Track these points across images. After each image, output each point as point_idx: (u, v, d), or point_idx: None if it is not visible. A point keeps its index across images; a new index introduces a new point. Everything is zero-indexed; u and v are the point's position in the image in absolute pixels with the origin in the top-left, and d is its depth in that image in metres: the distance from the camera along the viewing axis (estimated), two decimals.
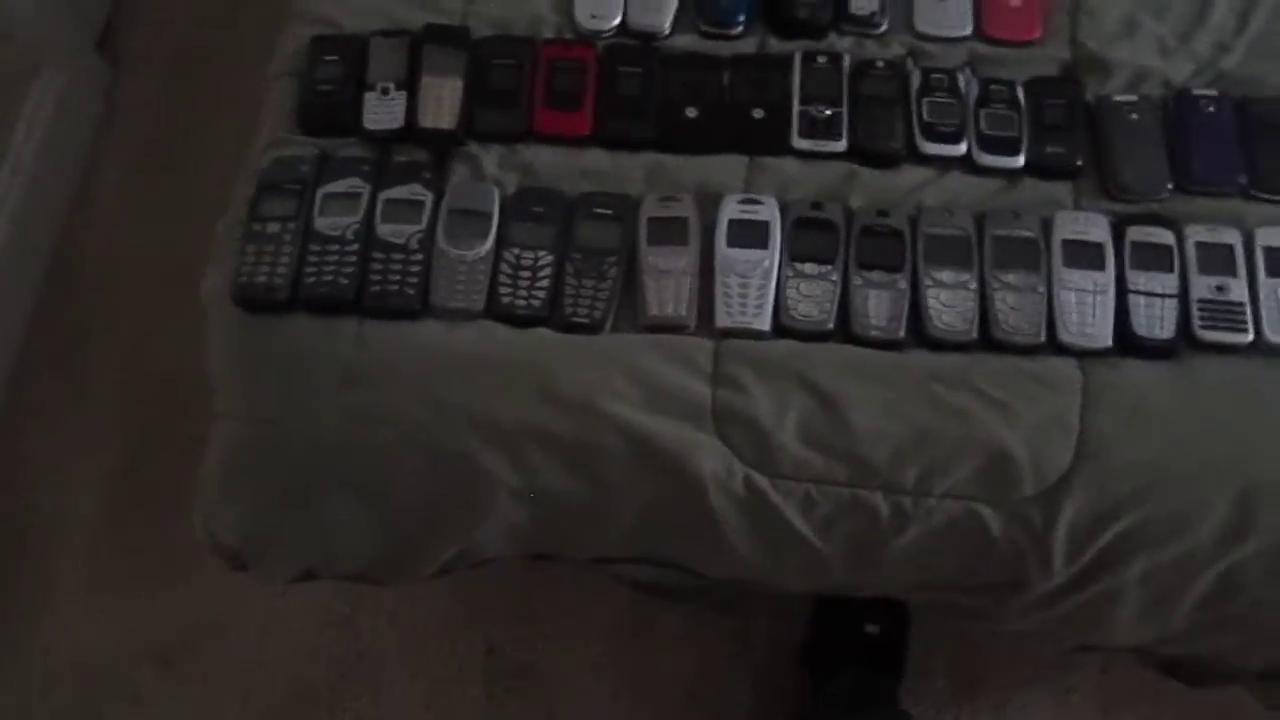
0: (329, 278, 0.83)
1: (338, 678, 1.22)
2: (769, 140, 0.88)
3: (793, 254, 0.83)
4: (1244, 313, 0.81)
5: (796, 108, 0.88)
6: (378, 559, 0.87)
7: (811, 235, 0.84)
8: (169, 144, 1.48)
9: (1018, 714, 1.17)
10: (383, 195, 0.86)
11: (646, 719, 1.19)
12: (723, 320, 0.82)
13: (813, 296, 0.82)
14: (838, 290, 0.82)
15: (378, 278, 0.83)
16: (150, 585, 1.26)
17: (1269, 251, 0.83)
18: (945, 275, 0.83)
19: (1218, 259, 0.83)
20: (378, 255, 0.84)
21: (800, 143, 0.87)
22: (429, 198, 0.86)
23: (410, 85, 0.90)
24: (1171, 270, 0.82)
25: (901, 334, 0.81)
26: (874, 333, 0.81)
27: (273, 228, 0.85)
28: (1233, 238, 0.83)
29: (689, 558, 0.87)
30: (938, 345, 0.81)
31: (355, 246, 0.84)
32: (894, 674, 1.13)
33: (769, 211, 0.84)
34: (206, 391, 0.87)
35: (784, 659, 1.18)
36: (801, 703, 1.12)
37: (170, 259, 1.37)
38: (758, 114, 0.88)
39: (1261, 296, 0.82)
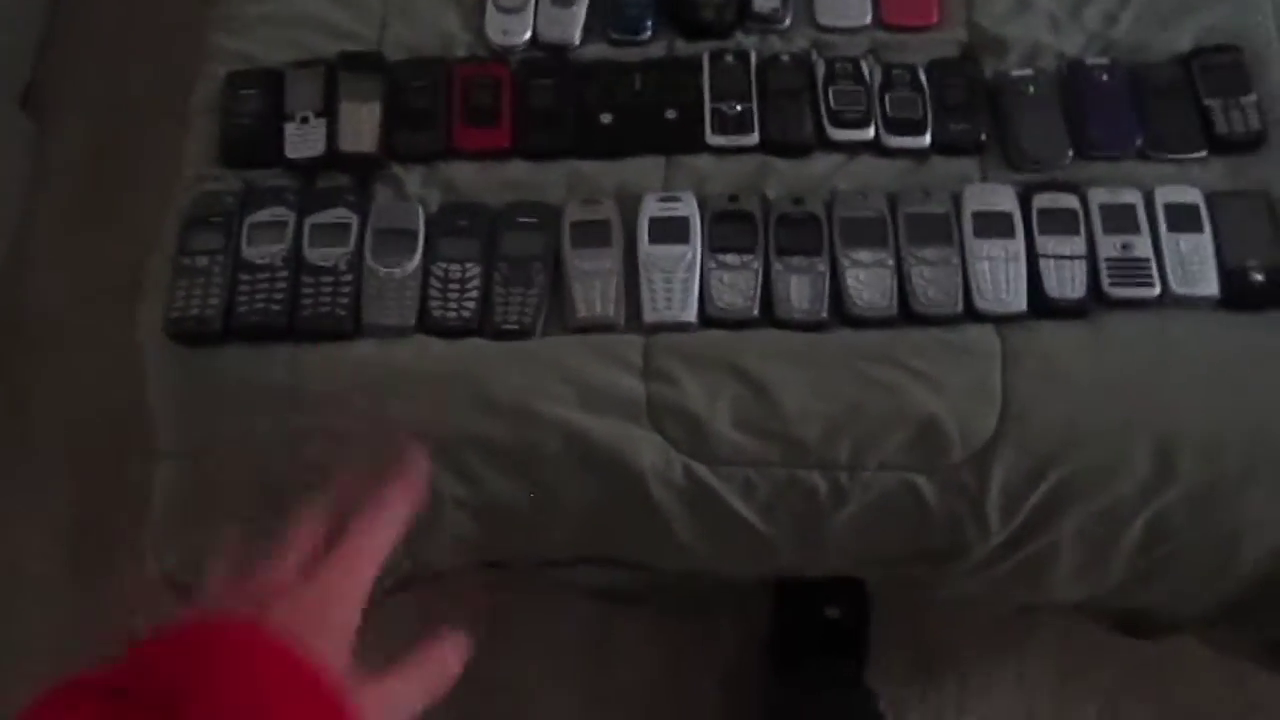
0: (260, 305, 0.84)
1: None
2: (684, 139, 0.90)
3: (713, 246, 0.85)
4: (1149, 267, 0.84)
5: (708, 106, 0.90)
6: None
7: (730, 227, 0.86)
8: (100, 192, 1.48)
9: (981, 684, 1.20)
10: (309, 220, 0.87)
11: None
12: (650, 316, 0.84)
13: (736, 286, 0.84)
14: (759, 278, 0.84)
15: (309, 301, 0.84)
16: (112, 634, 1.25)
17: (1169, 208, 0.86)
18: (863, 255, 0.85)
19: (1121, 219, 0.86)
20: (308, 279, 0.85)
21: (714, 139, 0.90)
22: (355, 220, 0.87)
23: (329, 112, 0.91)
24: (1078, 233, 0.85)
25: (824, 315, 0.83)
26: (797, 315, 0.83)
27: (201, 261, 0.86)
28: (1134, 197, 0.86)
29: (638, 552, 0.89)
30: (860, 323, 0.83)
31: (285, 273, 0.86)
32: (858, 655, 1.14)
33: (688, 208, 0.86)
34: (153, 432, 0.88)
35: (750, 654, 1.19)
36: (768, 694, 1.14)
37: (109, 306, 1.38)
38: (671, 115, 0.91)
39: (1165, 251, 0.85)
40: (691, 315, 0.84)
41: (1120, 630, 1.04)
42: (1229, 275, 0.84)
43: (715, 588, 1.06)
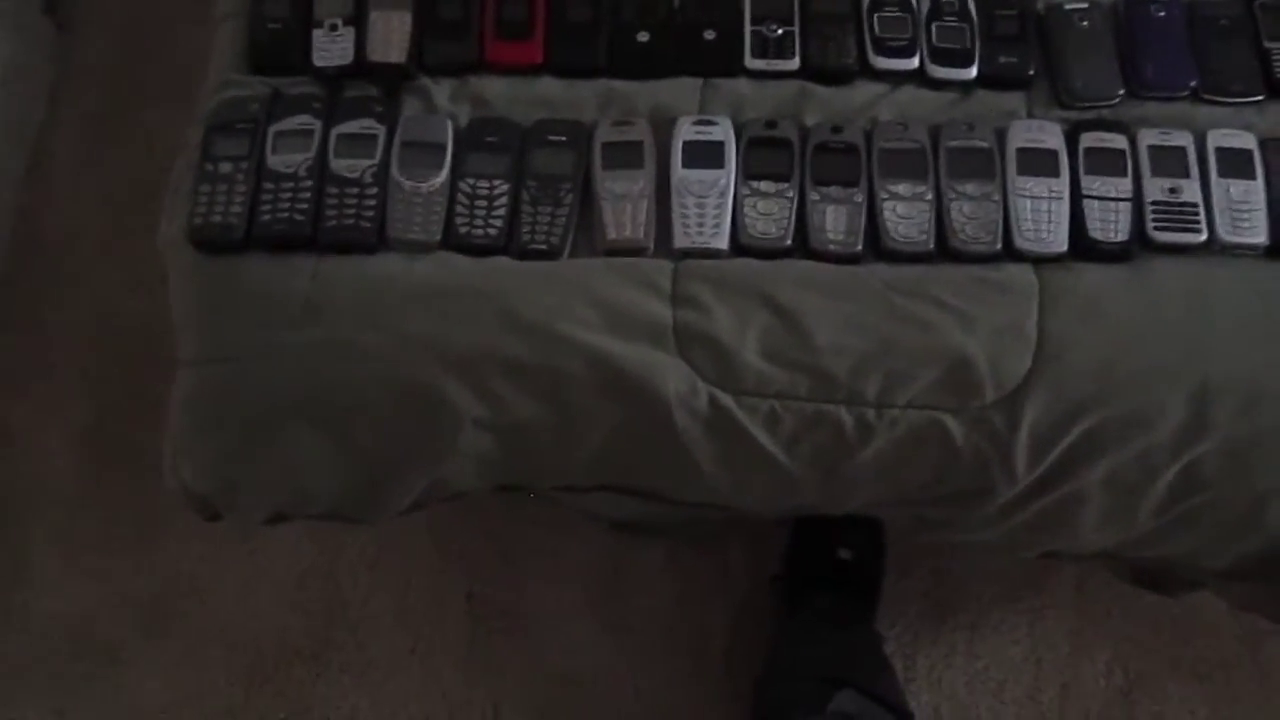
0: (284, 215, 0.83)
1: (320, 628, 1.22)
2: (722, 61, 0.88)
3: (748, 173, 0.83)
4: (1197, 213, 0.82)
5: (748, 28, 0.88)
6: (346, 495, 0.87)
7: (767, 153, 0.84)
8: (123, 101, 1.46)
9: (992, 633, 1.19)
10: (335, 130, 0.86)
11: (629, 655, 1.20)
12: (681, 241, 0.82)
13: (770, 214, 0.82)
14: (794, 207, 0.83)
15: (333, 212, 0.83)
16: (128, 545, 1.26)
17: (1220, 152, 0.84)
18: (901, 188, 0.83)
19: (1170, 161, 0.83)
20: (332, 190, 0.84)
21: (753, 62, 0.87)
22: (382, 131, 0.86)
23: (358, 20, 0.89)
24: (1125, 174, 0.83)
25: (859, 247, 0.82)
26: (832, 247, 0.82)
27: (225, 168, 0.85)
28: (1185, 140, 0.84)
29: (657, 482, 0.88)
30: (895, 257, 0.82)
31: (309, 183, 0.84)
32: (868, 598, 1.14)
33: (723, 132, 0.84)
34: (174, 345, 0.87)
35: (763, 590, 1.19)
36: (778, 630, 1.14)
37: (130, 215, 1.37)
38: (709, 35, 0.88)
39: (1214, 197, 0.82)
40: (723, 242, 0.82)
41: (1138, 584, 1.04)
42: (1279, 225, 0.81)
43: (731, 522, 1.06)
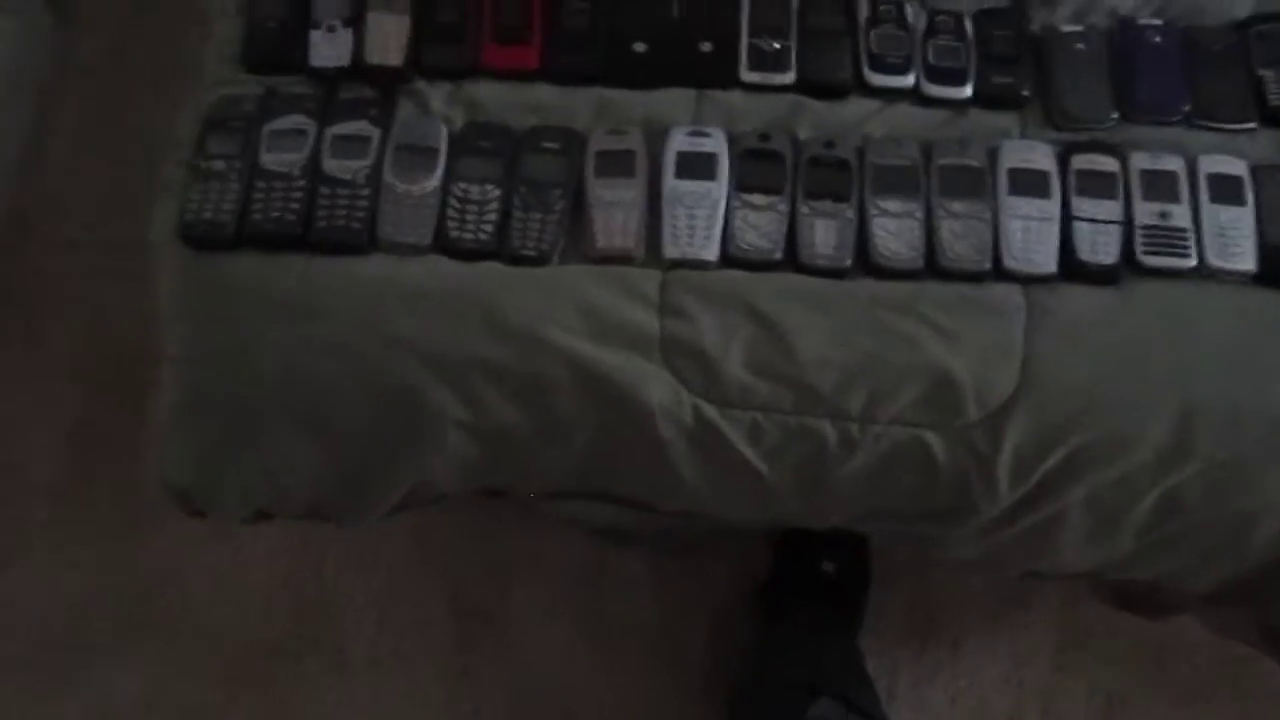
0: (276, 214, 0.83)
1: (303, 627, 1.22)
2: (717, 73, 0.88)
3: (740, 185, 0.83)
4: (1187, 238, 0.82)
5: (745, 40, 0.88)
6: (328, 495, 0.87)
7: (759, 166, 0.84)
8: (120, 95, 1.46)
9: (975, 651, 1.19)
10: (329, 131, 0.86)
11: (609, 662, 1.20)
12: (670, 251, 0.82)
13: (760, 227, 0.82)
14: (785, 220, 0.83)
15: (324, 213, 0.83)
16: (113, 538, 1.25)
17: (1211, 178, 0.84)
18: (892, 204, 0.83)
19: (1161, 186, 0.83)
20: (324, 191, 0.84)
21: (749, 75, 0.87)
22: (376, 134, 0.86)
23: (356, 22, 0.89)
24: (1116, 197, 0.83)
25: (848, 262, 0.82)
26: (821, 261, 0.82)
27: (218, 165, 0.85)
28: (1176, 165, 0.84)
29: (640, 490, 0.88)
30: (884, 273, 0.82)
31: (302, 182, 0.84)
32: (851, 612, 1.14)
33: (717, 143, 0.84)
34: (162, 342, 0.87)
35: (744, 601, 1.19)
36: (758, 641, 1.13)
37: (124, 209, 1.36)
38: (706, 47, 0.88)
39: (1204, 222, 0.82)
40: (713, 253, 0.82)
41: (1120, 606, 1.04)
42: (1268, 252, 0.82)
43: (713, 532, 1.06)
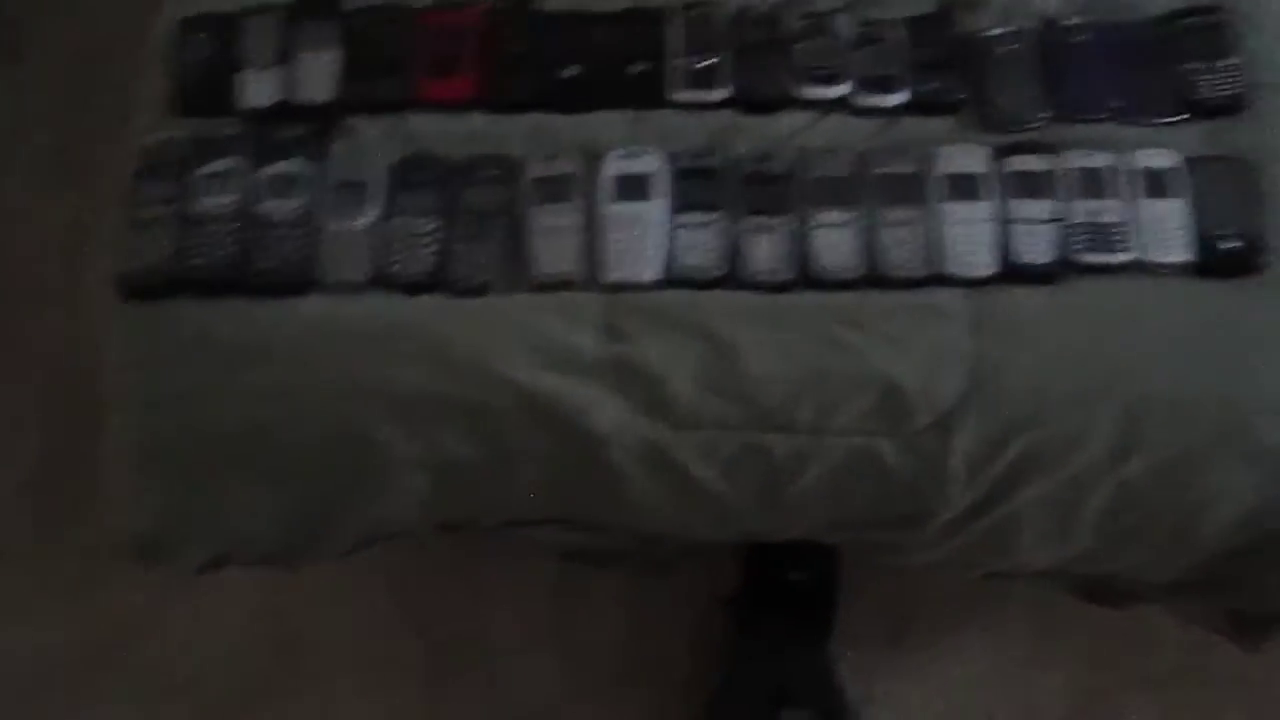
0: (212, 258, 0.82)
1: (273, 667, 1.21)
2: (649, 94, 0.87)
3: (679, 204, 0.83)
4: (1122, 233, 0.82)
5: (676, 60, 0.88)
6: (284, 539, 0.86)
7: (696, 185, 0.84)
8: (75, 136, 1.45)
9: (949, 649, 1.20)
10: (263, 172, 0.85)
11: (586, 684, 1.20)
12: (612, 274, 0.82)
13: (701, 245, 0.82)
14: (726, 237, 0.83)
15: (262, 254, 0.83)
16: (78, 589, 1.24)
17: (1145, 173, 0.84)
18: (831, 215, 0.83)
19: (1095, 183, 0.84)
20: (261, 232, 0.83)
21: (681, 94, 0.87)
22: (311, 171, 0.85)
23: (285, 60, 0.88)
24: (1051, 196, 0.83)
25: (791, 276, 0.82)
26: (763, 277, 0.82)
27: (153, 212, 0.84)
28: (1109, 161, 0.84)
29: (598, 515, 0.88)
30: (826, 285, 0.82)
31: (237, 225, 0.83)
32: (822, 620, 1.14)
33: (653, 164, 0.84)
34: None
35: (717, 615, 1.19)
36: (730, 654, 1.13)
37: (81, 258, 1.35)
38: (636, 68, 0.88)
39: (1139, 217, 0.83)
40: (655, 274, 0.82)
41: (1088, 599, 1.04)
42: (1203, 243, 0.82)
43: (682, 550, 1.06)
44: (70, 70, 1.48)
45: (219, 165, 0.85)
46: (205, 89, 0.88)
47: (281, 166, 0.85)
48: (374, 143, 0.87)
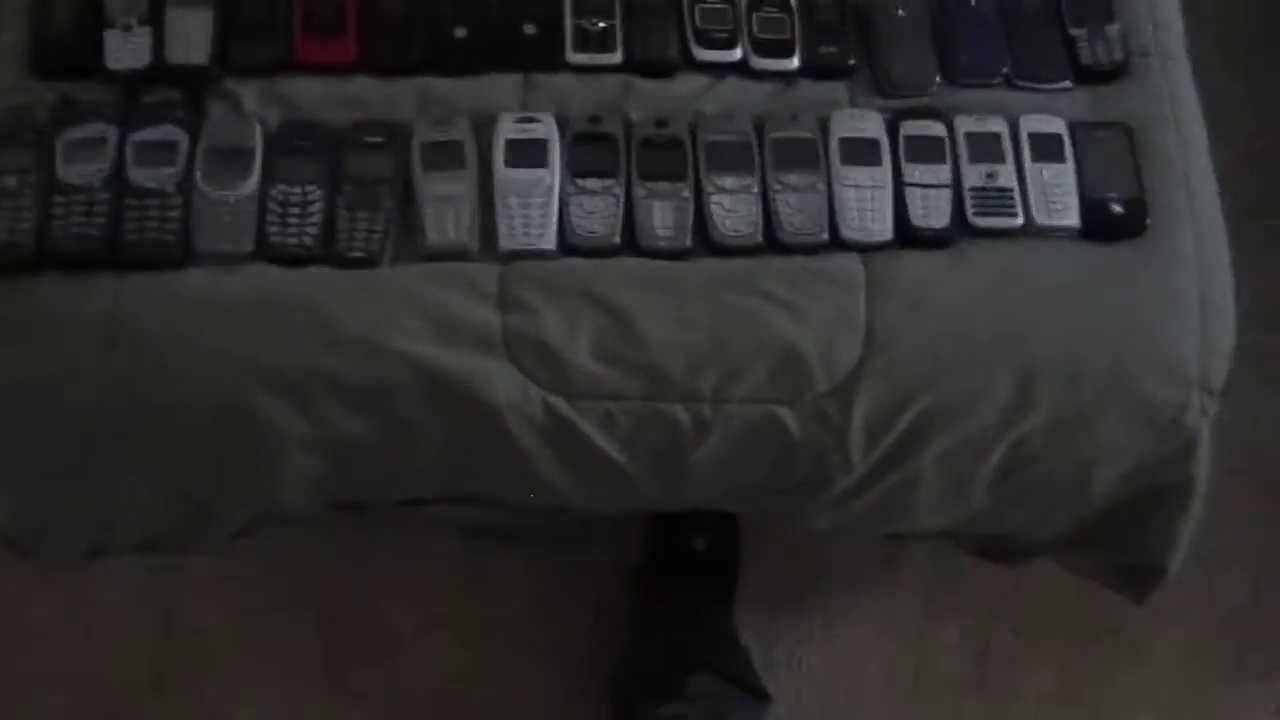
0: (78, 230, 0.78)
1: (165, 665, 1.16)
2: (542, 57, 0.86)
3: (574, 170, 0.82)
4: (1014, 198, 0.84)
5: (569, 21, 0.86)
6: (165, 528, 0.82)
7: (591, 150, 0.82)
8: None
9: (847, 613, 1.21)
10: (132, 138, 0.81)
11: (492, 663, 1.18)
12: (507, 243, 0.80)
13: (597, 212, 0.81)
14: (621, 204, 0.81)
15: (133, 226, 0.78)
16: None
17: (1034, 138, 0.85)
18: (728, 181, 0.82)
19: (987, 148, 0.85)
20: (131, 202, 0.79)
21: (575, 57, 0.85)
22: (184, 138, 0.81)
23: (155, 19, 0.84)
24: (944, 161, 0.84)
25: (688, 243, 0.81)
26: (661, 244, 0.81)
27: (10, 182, 0.79)
28: (1000, 126, 0.86)
29: (499, 489, 0.86)
30: (725, 251, 0.81)
31: (106, 195, 0.79)
32: (725, 586, 1.14)
33: (546, 129, 0.82)
34: None
35: (624, 587, 1.19)
36: (635, 622, 1.13)
37: None
38: (529, 30, 0.86)
39: (1029, 181, 0.84)
40: (550, 243, 0.80)
41: (982, 556, 1.07)
42: (1089, 206, 0.84)
43: (585, 522, 1.05)
44: None
45: (84, 131, 0.80)
46: (68, 49, 0.83)
47: (153, 132, 0.81)
48: (252, 107, 0.83)
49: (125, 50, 0.83)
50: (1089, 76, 0.88)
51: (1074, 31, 0.89)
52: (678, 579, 1.13)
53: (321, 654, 1.17)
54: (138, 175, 0.79)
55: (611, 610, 1.19)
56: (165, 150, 0.80)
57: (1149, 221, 0.84)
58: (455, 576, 1.20)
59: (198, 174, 0.80)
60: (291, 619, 1.18)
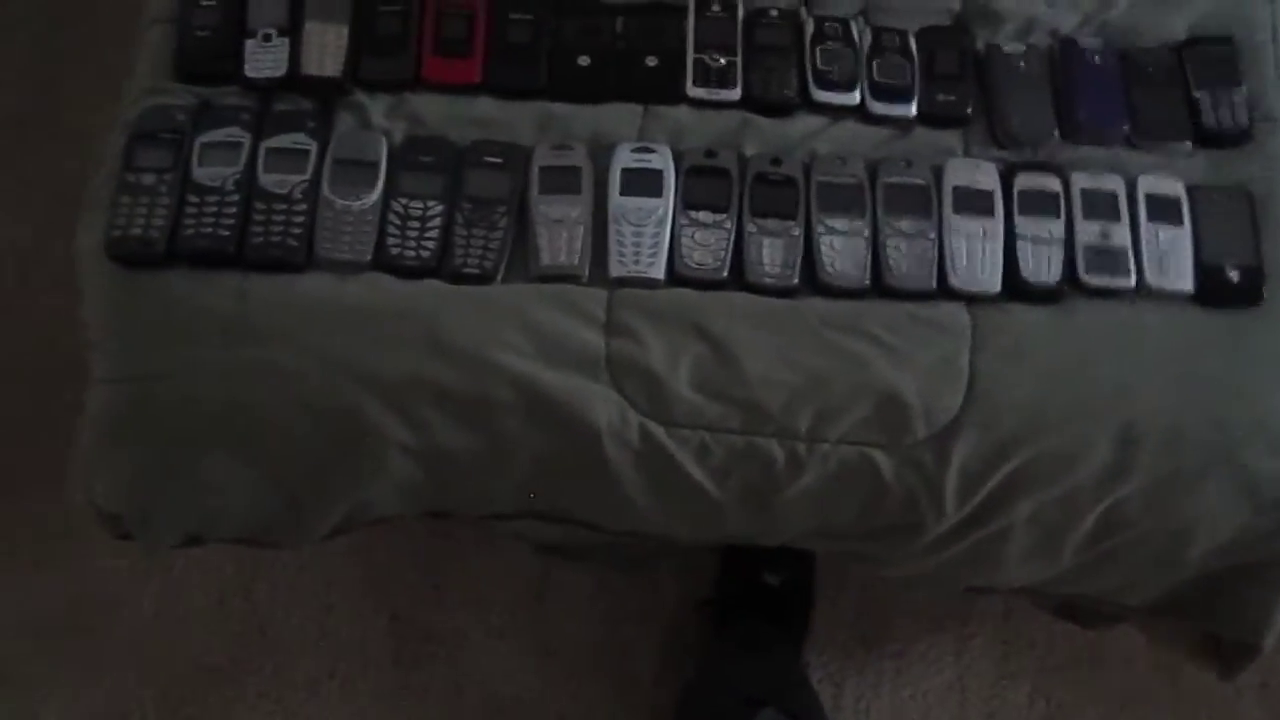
0: (209, 230, 0.81)
1: (238, 650, 1.19)
2: (663, 89, 0.87)
3: (687, 202, 0.83)
4: (1127, 257, 0.83)
5: (691, 56, 0.87)
6: (263, 522, 0.85)
7: (705, 183, 0.83)
8: (45, 102, 1.41)
9: (918, 661, 1.19)
10: (265, 144, 0.83)
11: (555, 681, 1.19)
12: (616, 269, 0.81)
13: (707, 245, 0.82)
14: (732, 238, 0.82)
15: (260, 229, 0.81)
16: (34, 563, 1.21)
17: (1150, 199, 0.85)
18: (838, 222, 0.83)
19: (1102, 205, 0.84)
20: (259, 206, 0.82)
21: (694, 91, 0.87)
22: (313, 147, 0.84)
23: (293, 31, 0.87)
24: (1058, 216, 0.84)
25: (795, 281, 0.81)
26: (768, 280, 0.81)
27: (148, 179, 0.82)
28: (1116, 185, 0.85)
29: (586, 511, 0.87)
30: (831, 292, 0.81)
31: (236, 197, 0.82)
32: (796, 625, 1.14)
33: (662, 160, 0.84)
34: (78, 364, 0.84)
35: (691, 615, 1.18)
36: (702, 654, 1.13)
37: (48, 223, 1.31)
38: (651, 62, 0.87)
39: (1143, 242, 0.83)
40: (660, 272, 0.81)
41: (1061, 616, 1.05)
42: (1205, 272, 0.83)
43: (660, 548, 1.05)
44: (40, 34, 1.44)
45: (220, 134, 0.83)
46: (209, 55, 0.86)
47: (284, 140, 0.83)
48: (379, 121, 0.85)
49: (263, 59, 0.86)
50: (1210, 140, 0.87)
51: (1197, 94, 0.88)
52: (749, 614, 1.12)
53: (389, 653, 1.19)
54: (268, 180, 0.82)
55: (677, 637, 1.19)
56: (295, 158, 0.83)
57: (1266, 291, 0.82)
58: (525, 591, 1.21)
59: (324, 183, 0.82)
60: (364, 617, 1.20)
